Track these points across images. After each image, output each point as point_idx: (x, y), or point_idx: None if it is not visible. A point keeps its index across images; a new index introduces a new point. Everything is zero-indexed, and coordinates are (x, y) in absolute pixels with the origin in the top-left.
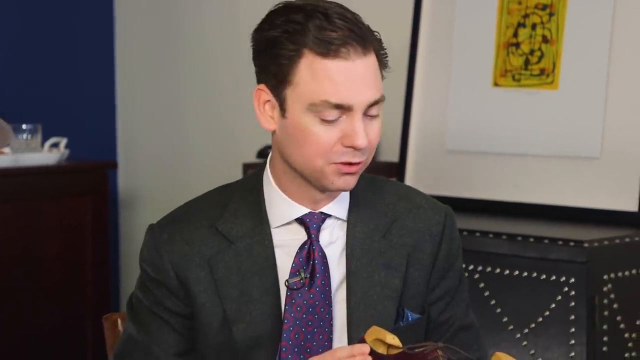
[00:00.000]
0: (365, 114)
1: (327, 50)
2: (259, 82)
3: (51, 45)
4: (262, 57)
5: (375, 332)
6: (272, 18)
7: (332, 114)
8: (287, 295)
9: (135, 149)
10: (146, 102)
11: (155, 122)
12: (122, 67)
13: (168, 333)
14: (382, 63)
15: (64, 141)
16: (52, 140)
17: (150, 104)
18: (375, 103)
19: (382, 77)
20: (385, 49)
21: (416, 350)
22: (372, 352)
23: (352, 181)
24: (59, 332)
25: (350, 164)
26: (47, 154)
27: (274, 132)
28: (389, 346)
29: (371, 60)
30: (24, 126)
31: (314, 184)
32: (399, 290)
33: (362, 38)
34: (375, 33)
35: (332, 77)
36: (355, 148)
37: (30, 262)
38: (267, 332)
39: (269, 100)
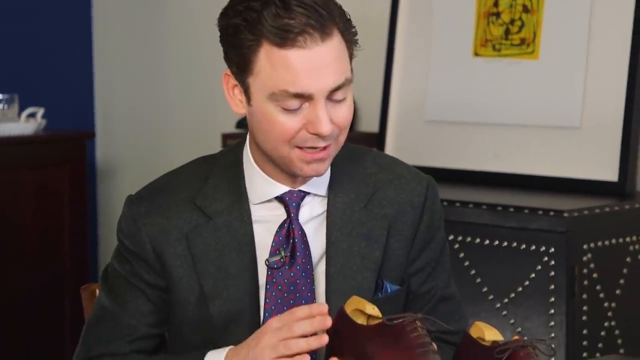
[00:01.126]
0: (330, 98)
1: (284, 39)
2: (227, 65)
3: (27, 13)
4: (226, 43)
5: (355, 302)
6: (234, 3)
7: (293, 104)
8: (267, 275)
9: (113, 118)
10: (124, 72)
11: (134, 91)
12: (99, 35)
13: (143, 303)
14: (351, 43)
15: (40, 111)
16: (29, 110)
17: (129, 73)
18: (339, 88)
19: (352, 56)
20: (354, 27)
21: (395, 321)
22: (351, 323)
23: (321, 168)
24: (37, 302)
25: (315, 149)
26: (24, 124)
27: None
28: (369, 317)
29: (333, 44)
30: (0, 96)
31: (284, 170)
32: (379, 262)
33: (322, 24)
34: (344, 13)
35: (290, 66)
36: (319, 135)
37: (7, 233)
38: (244, 308)
39: (236, 85)
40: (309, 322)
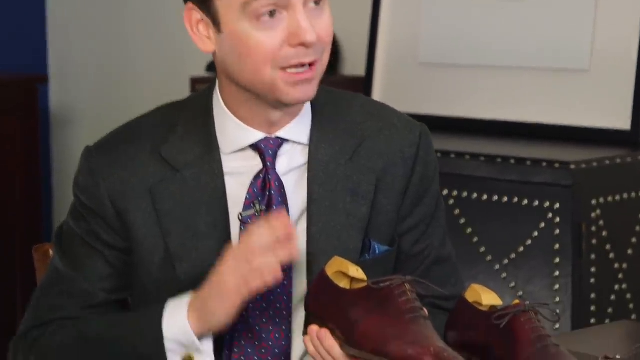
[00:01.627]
0: (307, 5)
1: None
2: (185, 0)
3: None
4: None
5: (337, 264)
6: None
7: (267, 6)
8: (241, 230)
9: (69, 61)
10: (81, 10)
11: (92, 30)
12: None
13: (101, 267)
14: None
15: None
16: None
17: (86, 11)
18: None
19: None
20: None
21: (382, 284)
22: (333, 287)
23: (310, 90)
24: None
25: (301, 67)
26: None
27: (214, 54)
28: (352, 280)
29: None
30: None
31: (268, 101)
32: (366, 220)
33: None
34: None
35: None
36: (304, 45)
37: None
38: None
39: (201, 20)
40: (267, 230)
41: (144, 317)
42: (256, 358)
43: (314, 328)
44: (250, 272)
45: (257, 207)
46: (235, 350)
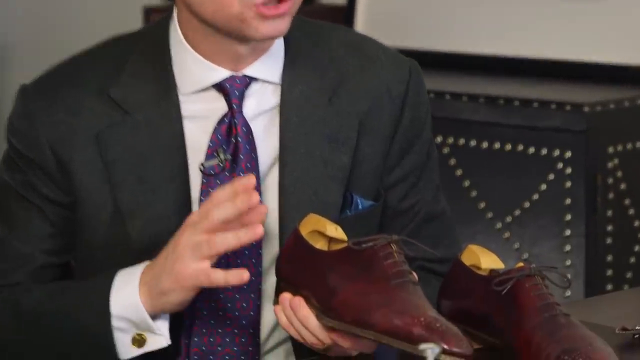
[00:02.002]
0: None
1: None
2: None
3: None
4: None
5: (312, 222)
6: None
7: None
8: (202, 184)
9: None
10: None
11: None
12: None
13: (39, 224)
14: None
15: None
16: None
17: None
18: None
19: None
20: None
21: (364, 245)
22: (309, 249)
23: (282, 26)
24: None
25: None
26: None
27: None
28: (330, 240)
29: None
30: None
31: (234, 36)
32: (347, 170)
33: None
34: None
35: None
36: None
37: None
38: (172, 228)
39: None
40: (231, 203)
41: (89, 290)
42: (220, 331)
43: (286, 296)
44: (208, 250)
45: (221, 156)
46: (197, 322)
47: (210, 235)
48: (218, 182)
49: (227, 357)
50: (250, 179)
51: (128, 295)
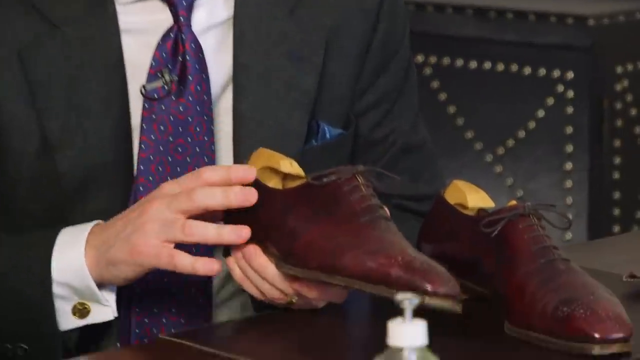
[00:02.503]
0: None
1: None
2: None
3: None
4: None
5: (263, 158)
6: None
7: None
8: (144, 109)
9: None
10: None
11: None
12: None
13: None
14: None
15: None
16: None
17: None
18: None
19: None
20: None
21: (325, 179)
22: (262, 188)
23: None
24: None
25: None
26: None
27: None
28: (286, 177)
29: None
30: None
31: None
32: (313, 93)
33: None
34: None
35: None
36: None
37: None
38: (109, 162)
39: None
40: (223, 192)
41: (26, 248)
42: (166, 280)
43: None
44: (181, 234)
45: (166, 77)
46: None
47: (186, 219)
48: (163, 107)
49: (173, 310)
50: (251, 172)
51: (72, 259)
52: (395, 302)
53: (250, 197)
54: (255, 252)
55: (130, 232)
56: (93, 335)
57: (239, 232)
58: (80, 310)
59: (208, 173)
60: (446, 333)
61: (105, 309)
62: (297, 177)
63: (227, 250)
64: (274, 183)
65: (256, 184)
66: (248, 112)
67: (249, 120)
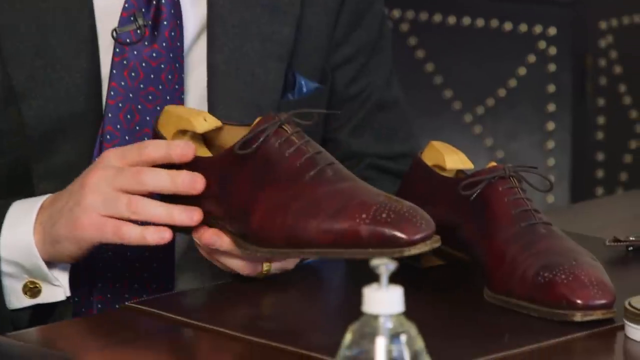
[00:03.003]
0: None
1: None
2: None
3: None
4: None
5: (173, 120)
6: None
7: None
8: (115, 53)
9: None
10: None
11: None
12: None
13: None
14: None
15: None
16: None
17: None
18: None
19: None
20: None
21: (255, 145)
22: (193, 160)
23: None
24: None
25: None
26: None
27: None
28: (205, 139)
29: None
30: None
31: None
32: (289, 45)
33: None
34: None
35: None
36: None
37: None
38: (77, 112)
39: None
40: (170, 177)
41: None
42: (129, 254)
43: (198, 231)
44: (126, 211)
45: (140, 21)
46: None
47: (131, 195)
48: (135, 53)
49: (136, 286)
50: (190, 148)
51: (20, 236)
52: (370, 267)
53: (197, 185)
54: (214, 240)
55: (72, 206)
56: (48, 315)
57: (191, 214)
58: (32, 289)
59: (150, 148)
60: (423, 299)
61: (56, 289)
62: (217, 129)
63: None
64: (201, 152)
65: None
66: (222, 64)
67: (223, 73)
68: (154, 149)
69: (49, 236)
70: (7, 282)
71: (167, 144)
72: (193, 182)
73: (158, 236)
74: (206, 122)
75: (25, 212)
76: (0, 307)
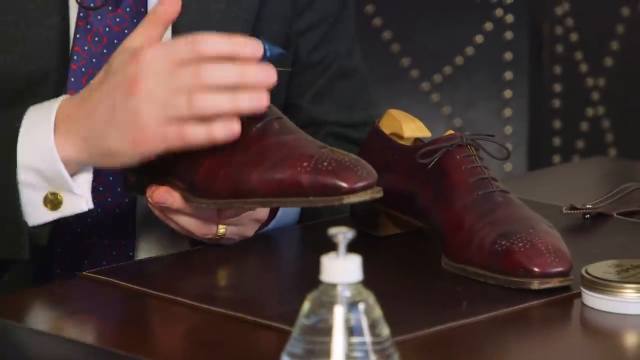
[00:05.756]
0: None
1: None
2: None
3: None
4: None
5: None
6: None
7: None
8: (79, 18)
9: None
10: None
11: None
12: None
13: None
14: None
15: None
16: None
17: None
18: None
19: None
20: None
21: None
22: None
23: None
24: None
25: None
26: None
27: None
28: None
29: None
30: None
31: None
32: (254, 10)
33: None
34: None
35: None
36: None
37: None
38: (45, 70)
39: None
40: (233, 68)
41: None
42: (89, 220)
43: (151, 190)
44: (189, 108)
45: None
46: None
47: (190, 94)
48: (99, 17)
49: (95, 252)
50: (259, 47)
51: (39, 139)
52: (328, 236)
53: (271, 75)
54: (170, 195)
55: (126, 121)
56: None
57: (260, 97)
58: (52, 201)
59: (210, 40)
60: (381, 268)
61: (79, 199)
62: None
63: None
64: None
65: None
66: (186, 29)
67: (188, 34)
68: (213, 40)
69: (98, 150)
70: (25, 194)
71: (229, 39)
72: (266, 72)
73: (227, 129)
74: None
75: (43, 112)
76: (18, 224)
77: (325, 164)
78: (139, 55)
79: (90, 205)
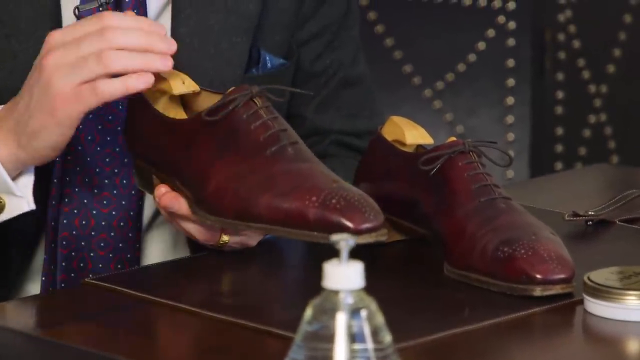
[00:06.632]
0: None
1: None
2: None
3: None
4: None
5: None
6: None
7: None
8: None
9: None
10: None
11: None
12: None
13: None
14: None
15: None
16: None
17: None
18: None
19: None
20: None
21: (222, 113)
22: (157, 117)
23: None
24: None
25: None
26: None
27: None
28: (172, 97)
29: None
30: None
31: None
32: (255, 19)
33: None
34: None
35: None
36: None
37: None
38: None
39: None
40: (140, 32)
41: None
42: (95, 212)
43: (160, 190)
44: (97, 66)
45: None
46: (66, 200)
47: (99, 51)
48: None
49: (102, 244)
50: (162, 27)
51: None
52: (329, 242)
53: (171, 45)
54: (173, 203)
55: (40, 95)
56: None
57: (166, 62)
58: None
59: (110, 16)
60: (383, 275)
61: (20, 201)
62: (193, 93)
63: (142, 182)
64: (173, 111)
65: (149, 112)
66: (187, 37)
67: (187, 45)
68: (118, 17)
69: (24, 136)
70: None
71: (134, 16)
72: (169, 40)
73: (141, 80)
74: (183, 85)
75: None
76: None
77: (334, 201)
78: (48, 37)
79: (32, 206)
